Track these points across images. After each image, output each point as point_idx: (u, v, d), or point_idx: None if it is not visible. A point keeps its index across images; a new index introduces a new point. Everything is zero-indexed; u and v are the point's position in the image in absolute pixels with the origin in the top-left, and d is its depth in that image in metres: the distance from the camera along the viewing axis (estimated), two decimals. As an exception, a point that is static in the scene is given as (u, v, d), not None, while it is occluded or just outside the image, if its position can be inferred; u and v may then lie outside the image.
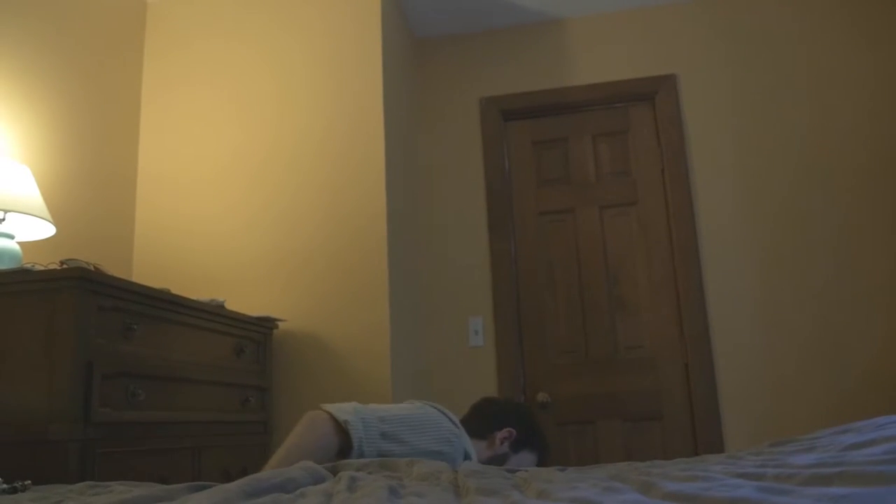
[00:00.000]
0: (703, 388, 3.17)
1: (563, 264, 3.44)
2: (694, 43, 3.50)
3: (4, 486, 1.35)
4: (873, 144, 3.24)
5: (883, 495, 0.75)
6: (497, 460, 2.00)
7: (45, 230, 2.33)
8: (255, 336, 2.62)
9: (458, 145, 3.62)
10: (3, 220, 2.16)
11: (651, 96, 3.49)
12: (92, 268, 1.90)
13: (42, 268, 1.90)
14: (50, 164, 2.62)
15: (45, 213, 2.26)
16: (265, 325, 2.67)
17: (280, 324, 2.77)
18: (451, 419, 1.86)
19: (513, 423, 2.07)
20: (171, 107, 3.16)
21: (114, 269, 2.12)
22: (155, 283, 2.36)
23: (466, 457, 1.84)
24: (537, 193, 3.53)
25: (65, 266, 1.88)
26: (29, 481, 1.40)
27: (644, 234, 3.40)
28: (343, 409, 1.73)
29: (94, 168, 2.87)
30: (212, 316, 2.35)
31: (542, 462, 2.08)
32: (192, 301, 2.25)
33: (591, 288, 3.39)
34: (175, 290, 2.23)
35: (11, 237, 2.19)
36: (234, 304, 2.63)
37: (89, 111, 2.87)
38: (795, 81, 3.37)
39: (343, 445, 1.66)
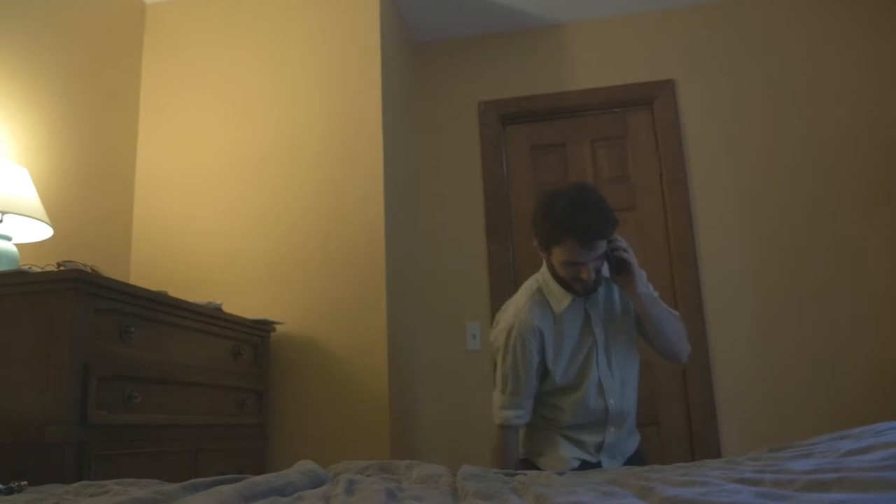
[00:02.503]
0: (701, 394, 3.16)
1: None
2: (692, 49, 3.51)
3: (1, 487, 1.35)
4: (870, 149, 3.25)
5: (881, 501, 0.75)
6: (558, 269, 2.03)
7: (43, 232, 2.33)
8: (252, 339, 2.62)
9: (456, 149, 3.62)
10: (1, 221, 2.16)
11: (649, 102, 3.50)
12: (89, 270, 1.89)
13: (39, 269, 1.90)
14: (48, 166, 2.62)
15: (43, 214, 2.25)
16: (262, 328, 2.67)
17: (277, 327, 2.77)
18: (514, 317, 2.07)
19: (534, 232, 2.05)
20: (169, 109, 3.16)
21: (111, 272, 2.11)
22: (152, 285, 2.36)
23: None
24: (535, 197, 3.53)
25: (62, 268, 1.88)
26: (25, 482, 1.39)
27: (642, 239, 3.40)
28: (496, 416, 2.10)
29: (92, 170, 2.87)
30: (209, 318, 2.34)
31: (581, 240, 1.93)
32: (190, 303, 2.25)
33: (589, 292, 3.39)
34: (172, 293, 2.22)
35: (9, 239, 2.18)
36: (231, 307, 2.63)
37: (87, 113, 2.87)
38: (793, 87, 3.38)
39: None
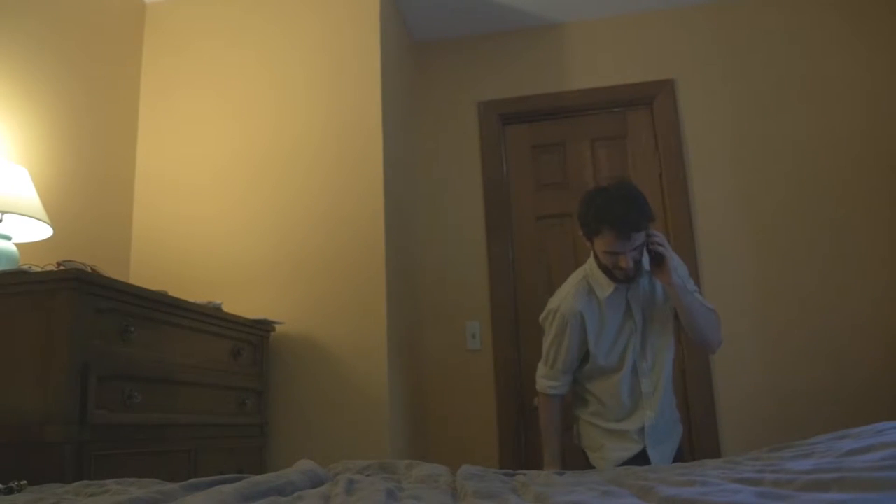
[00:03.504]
0: (700, 394, 3.16)
1: (561, 268, 3.43)
2: (692, 48, 3.51)
3: (1, 486, 1.35)
4: (870, 149, 3.25)
5: (881, 501, 0.75)
6: (601, 258, 2.27)
7: (43, 232, 2.33)
8: (251, 339, 2.62)
9: (456, 149, 3.62)
10: (1, 221, 2.16)
11: (649, 101, 3.50)
12: (89, 269, 1.89)
13: (39, 269, 1.90)
14: (48, 165, 2.62)
15: (43, 214, 2.25)
16: (262, 327, 2.67)
17: (277, 326, 2.77)
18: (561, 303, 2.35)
19: (579, 224, 2.31)
20: (168, 109, 3.16)
21: (111, 271, 2.11)
22: (152, 285, 2.36)
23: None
24: (535, 197, 3.54)
25: (62, 268, 1.88)
26: (25, 482, 1.39)
27: (642, 239, 3.40)
28: (538, 384, 2.43)
29: (92, 170, 2.86)
30: (209, 318, 2.34)
31: (618, 231, 2.15)
32: (189, 303, 2.25)
33: (589, 292, 3.39)
34: (172, 293, 2.22)
35: (9, 238, 2.18)
36: (231, 307, 2.63)
37: (87, 113, 2.87)
38: (793, 86, 3.38)
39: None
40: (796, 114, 3.35)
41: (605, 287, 2.30)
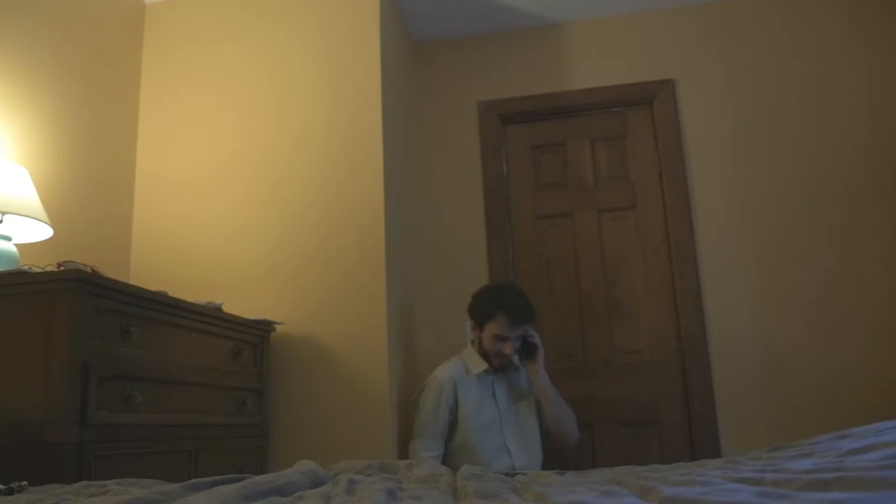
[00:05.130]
0: (701, 393, 3.16)
1: (561, 268, 3.44)
2: (692, 48, 3.50)
3: (1, 487, 1.35)
4: (870, 148, 3.25)
5: (881, 500, 0.75)
6: (485, 343, 2.65)
7: (43, 232, 2.33)
8: (252, 339, 2.62)
9: (456, 149, 3.62)
10: (1, 221, 2.16)
11: (649, 101, 3.50)
12: (89, 270, 1.89)
13: (39, 270, 1.90)
14: (48, 165, 2.62)
15: (43, 215, 2.25)
16: (262, 327, 2.67)
17: (277, 327, 2.76)
18: (437, 383, 2.66)
19: (470, 314, 2.73)
20: (169, 109, 3.16)
21: (111, 272, 2.11)
22: (152, 285, 2.35)
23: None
24: (535, 197, 3.54)
25: (62, 268, 1.88)
26: (25, 482, 1.39)
27: (642, 239, 3.40)
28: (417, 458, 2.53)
29: (92, 170, 2.86)
30: (209, 318, 2.34)
31: (512, 316, 2.58)
32: (189, 303, 2.25)
33: (589, 292, 3.39)
34: (172, 293, 2.22)
35: (9, 239, 2.18)
36: (231, 307, 2.63)
37: (87, 113, 2.87)
38: (793, 86, 3.38)
39: None
40: (796, 113, 3.35)
41: (478, 365, 2.67)
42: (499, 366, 2.65)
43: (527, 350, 2.66)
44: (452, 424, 2.62)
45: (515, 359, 2.68)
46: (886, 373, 3.04)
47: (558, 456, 2.83)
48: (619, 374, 3.28)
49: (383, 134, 2.94)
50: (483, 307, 2.65)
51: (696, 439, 3.13)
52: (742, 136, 3.38)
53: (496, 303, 2.61)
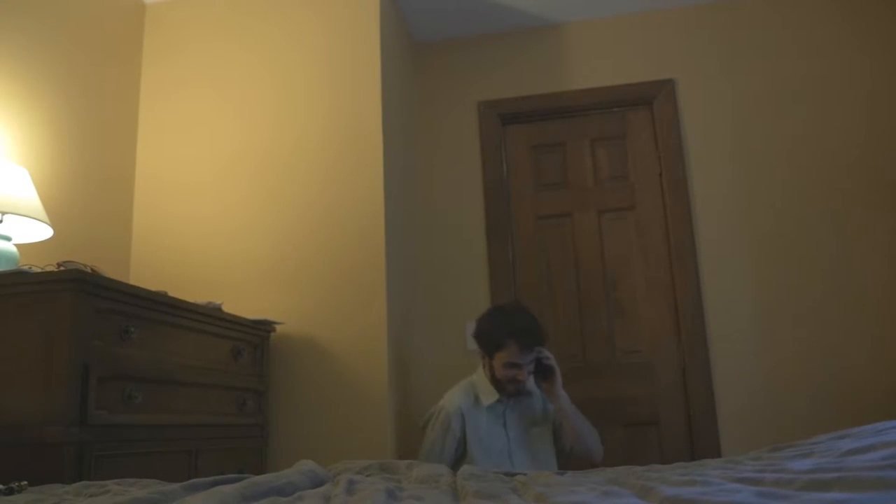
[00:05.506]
0: (701, 393, 3.16)
1: (561, 269, 3.44)
2: (692, 48, 3.50)
3: (1, 487, 1.35)
4: (871, 149, 3.25)
5: (881, 500, 0.75)
6: (497, 372, 2.47)
7: (43, 232, 2.33)
8: (252, 339, 2.62)
9: (456, 149, 3.62)
10: (1, 221, 2.15)
11: (649, 101, 3.50)
12: (89, 270, 1.89)
13: (39, 270, 1.90)
14: (48, 166, 2.62)
15: (43, 215, 2.25)
16: (262, 328, 2.67)
17: (277, 327, 2.76)
18: (445, 411, 2.49)
19: (477, 341, 2.55)
20: (169, 110, 3.16)
21: (111, 272, 2.11)
22: (152, 285, 2.35)
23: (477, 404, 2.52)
24: (535, 197, 3.54)
25: (62, 268, 1.88)
26: (25, 482, 1.39)
27: (642, 239, 3.40)
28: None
29: (92, 170, 2.86)
30: (209, 319, 2.34)
31: (523, 343, 2.40)
32: (190, 304, 2.25)
33: (589, 292, 3.39)
34: (172, 293, 2.22)
35: (9, 239, 2.18)
36: (231, 307, 2.63)
37: (87, 114, 2.87)
38: (793, 86, 3.38)
39: None
40: (796, 113, 3.35)
41: (489, 396, 2.51)
42: (513, 392, 2.50)
43: (542, 372, 2.50)
44: (460, 454, 2.50)
45: (530, 383, 2.53)
46: (887, 372, 3.04)
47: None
48: (619, 375, 3.28)
49: (383, 134, 2.94)
50: (491, 336, 2.47)
51: (696, 439, 3.13)
52: (742, 136, 3.38)
53: (505, 330, 2.43)
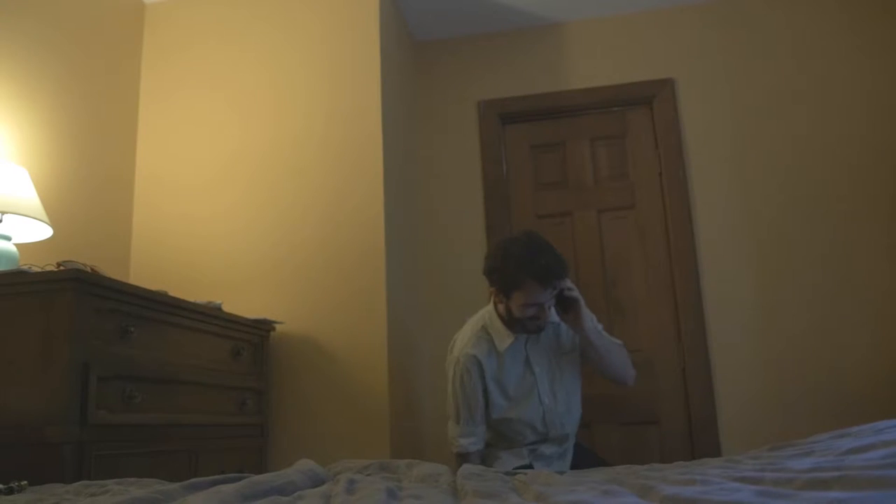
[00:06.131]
0: (701, 393, 3.17)
1: (561, 268, 3.43)
2: (692, 47, 3.50)
3: (1, 486, 1.35)
4: (870, 149, 3.25)
5: (882, 500, 0.75)
6: (515, 311, 2.18)
7: (43, 232, 2.33)
8: (252, 338, 2.62)
9: (456, 148, 3.62)
10: (1, 221, 2.16)
11: (649, 100, 3.50)
12: (89, 269, 1.89)
13: (39, 269, 1.90)
14: (48, 166, 2.62)
15: (43, 214, 2.25)
16: (262, 327, 2.67)
17: (277, 326, 2.76)
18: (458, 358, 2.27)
19: (489, 279, 2.23)
20: (168, 110, 3.16)
21: (111, 271, 2.11)
22: (152, 285, 2.35)
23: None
24: (535, 197, 3.54)
25: (62, 268, 1.88)
26: (25, 482, 1.39)
27: (642, 238, 3.40)
28: (453, 446, 2.29)
29: (92, 170, 2.86)
30: (209, 318, 2.34)
31: (544, 280, 2.09)
32: (190, 303, 2.25)
33: (589, 291, 3.37)
34: (172, 293, 2.22)
35: (9, 239, 2.18)
36: (231, 307, 2.63)
37: (87, 114, 2.87)
38: (793, 86, 3.38)
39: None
40: (796, 113, 3.35)
41: (504, 339, 2.25)
42: (534, 330, 2.24)
43: (563, 304, 2.22)
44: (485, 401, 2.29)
45: (552, 313, 2.24)
46: (887, 371, 3.04)
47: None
48: (619, 374, 3.28)
49: (383, 134, 2.94)
50: (506, 274, 2.15)
51: (696, 438, 3.13)
52: (742, 136, 3.38)
53: (522, 268, 2.11)
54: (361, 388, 2.71)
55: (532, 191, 3.54)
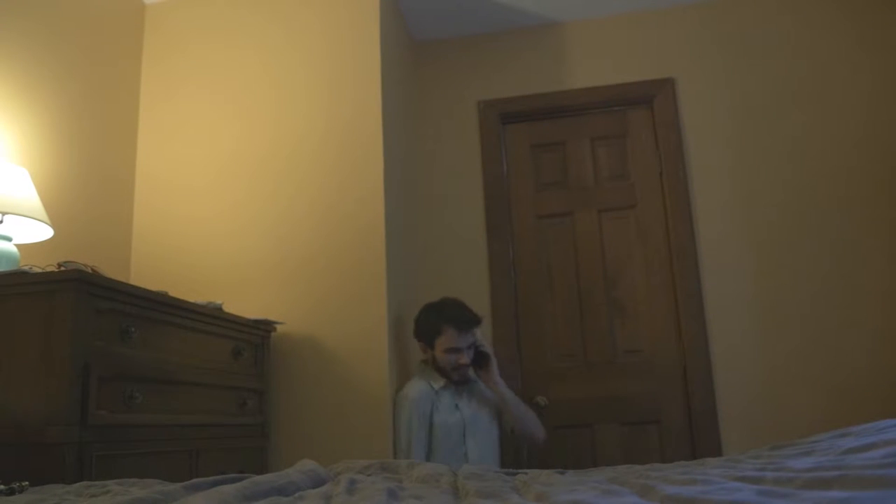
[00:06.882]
0: (701, 392, 3.16)
1: (562, 268, 3.44)
2: (692, 47, 3.50)
3: (2, 487, 1.35)
4: (871, 148, 3.25)
5: (882, 499, 0.75)
6: (440, 361, 2.68)
7: (43, 232, 2.33)
8: (252, 339, 2.62)
9: (456, 148, 3.62)
10: (1, 222, 2.16)
11: (649, 100, 3.50)
12: (89, 270, 1.89)
13: (40, 270, 1.90)
14: (48, 166, 2.62)
15: (43, 215, 2.25)
16: (263, 327, 2.67)
17: (278, 326, 2.76)
18: (410, 398, 2.65)
19: (416, 335, 2.77)
20: (169, 110, 3.16)
21: (111, 272, 2.11)
22: (152, 285, 2.35)
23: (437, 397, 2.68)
24: (536, 197, 3.54)
25: (62, 268, 1.88)
26: (26, 482, 1.39)
27: (642, 238, 3.40)
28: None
29: (92, 170, 2.86)
30: (209, 318, 2.34)
31: (458, 326, 2.63)
32: (190, 304, 2.25)
33: (590, 291, 3.39)
34: (172, 293, 2.22)
35: (9, 239, 2.18)
36: (231, 307, 2.63)
37: (88, 114, 2.87)
38: (793, 85, 3.38)
39: None
40: (796, 113, 3.35)
41: (437, 381, 2.69)
42: (458, 378, 2.69)
43: (479, 360, 2.71)
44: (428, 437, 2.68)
45: (471, 371, 2.72)
46: (888, 370, 3.04)
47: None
48: (619, 374, 3.28)
49: (383, 134, 2.94)
50: (428, 325, 2.70)
51: (697, 438, 3.13)
52: (742, 135, 3.38)
53: (440, 317, 2.67)
54: (362, 388, 2.71)
55: (532, 191, 3.54)
